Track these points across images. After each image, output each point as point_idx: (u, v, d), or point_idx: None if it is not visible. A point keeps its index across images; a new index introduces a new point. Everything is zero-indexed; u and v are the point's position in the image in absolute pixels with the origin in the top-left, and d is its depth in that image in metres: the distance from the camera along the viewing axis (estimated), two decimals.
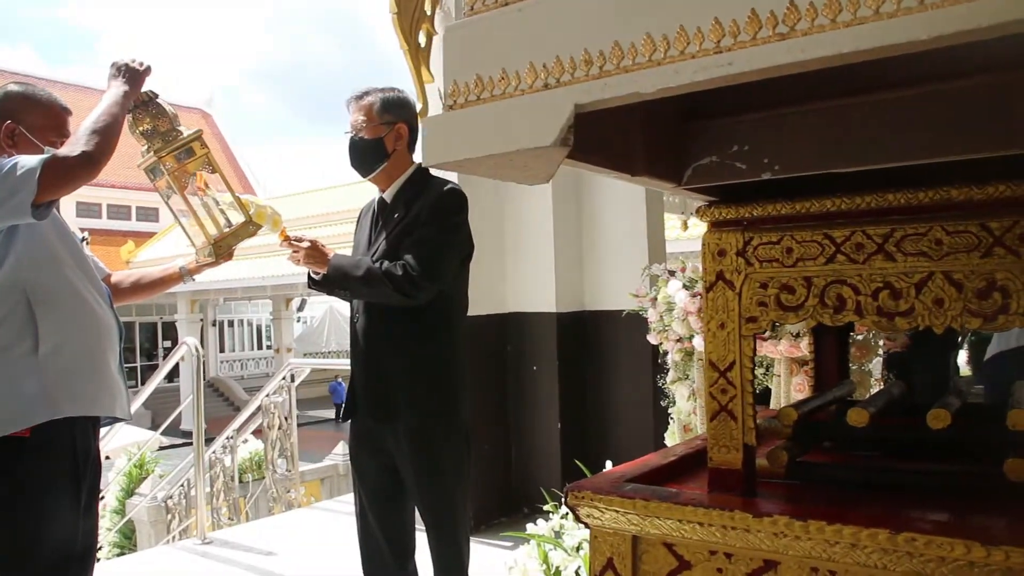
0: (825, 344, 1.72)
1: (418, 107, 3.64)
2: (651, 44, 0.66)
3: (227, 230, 2.28)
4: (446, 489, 2.26)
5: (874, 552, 0.96)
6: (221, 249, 2.25)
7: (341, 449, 8.54)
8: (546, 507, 2.52)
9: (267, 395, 4.93)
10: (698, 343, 2.69)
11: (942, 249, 1.05)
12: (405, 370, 2.25)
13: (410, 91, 3.72)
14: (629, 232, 4.12)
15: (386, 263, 2.17)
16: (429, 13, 3.62)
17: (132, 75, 2.05)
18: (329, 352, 27.92)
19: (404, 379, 2.24)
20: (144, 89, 2.13)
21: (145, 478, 6.42)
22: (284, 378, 4.98)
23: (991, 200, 1.03)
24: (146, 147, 2.15)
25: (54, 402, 1.89)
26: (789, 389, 2.38)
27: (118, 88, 2.01)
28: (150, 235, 27.88)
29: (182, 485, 5.40)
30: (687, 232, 6.88)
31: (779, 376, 2.45)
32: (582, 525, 2.51)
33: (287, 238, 2.25)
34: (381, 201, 2.35)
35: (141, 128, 2.13)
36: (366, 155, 2.28)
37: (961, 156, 1.00)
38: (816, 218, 1.15)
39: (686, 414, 2.79)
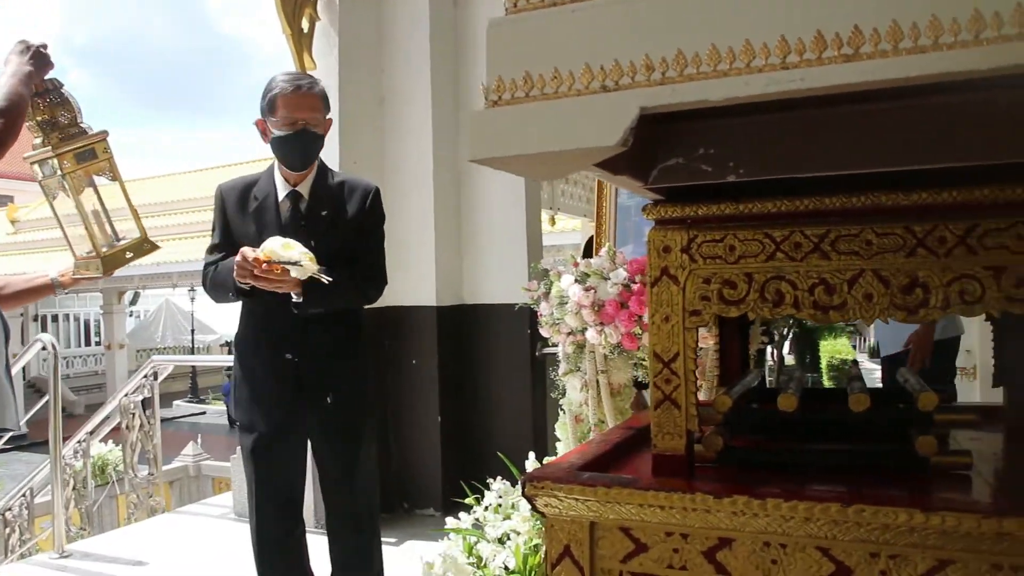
0: (730, 336, 1.84)
1: None
2: (716, 55, 0.71)
3: (120, 244, 2.12)
4: (373, 482, 2.33)
5: (825, 524, 1.05)
6: (110, 264, 2.09)
7: (191, 450, 8.17)
8: (467, 500, 2.55)
9: (126, 394, 4.65)
10: (590, 336, 2.78)
11: (872, 249, 1.16)
12: (344, 363, 2.28)
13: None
14: (508, 227, 4.19)
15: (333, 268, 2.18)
16: None
17: (40, 58, 1.88)
18: (165, 348, 26.54)
19: (344, 372, 2.28)
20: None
21: None
22: (146, 376, 4.71)
23: (915, 206, 1.15)
24: (41, 139, 1.97)
25: None
26: None
27: (23, 67, 1.83)
28: None
29: (23, 495, 4.97)
30: (555, 227, 7.04)
31: None
32: (502, 517, 2.56)
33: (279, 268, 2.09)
34: (295, 194, 2.29)
35: (39, 117, 1.95)
36: (315, 149, 2.26)
37: (895, 167, 1.10)
38: (757, 218, 1.24)
39: (577, 405, 2.88)
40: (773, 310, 1.23)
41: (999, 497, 1.16)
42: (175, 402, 24.45)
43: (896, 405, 1.42)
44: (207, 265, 2.32)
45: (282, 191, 2.29)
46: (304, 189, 2.27)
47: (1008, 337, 1.54)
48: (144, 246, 2.15)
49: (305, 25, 3.51)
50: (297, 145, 2.21)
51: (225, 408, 20.73)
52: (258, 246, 2.24)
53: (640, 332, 2.73)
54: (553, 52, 0.82)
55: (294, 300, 2.18)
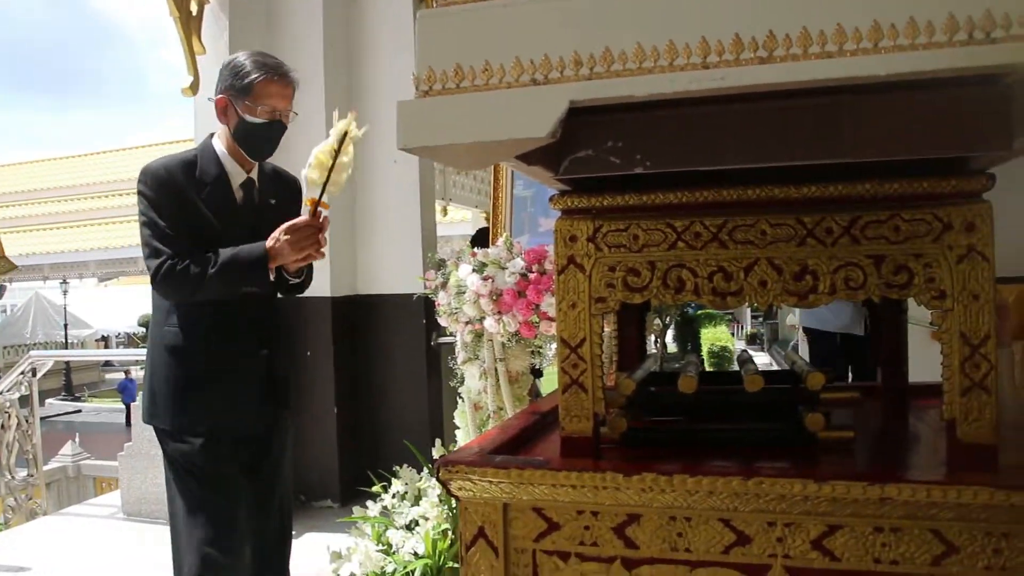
0: (628, 323, 1.91)
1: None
2: (641, 53, 0.74)
3: None
4: (291, 479, 2.35)
5: (727, 497, 1.12)
6: None
7: (70, 450, 7.78)
8: (374, 488, 2.54)
9: (0, 392, 4.37)
10: (489, 325, 2.82)
11: (766, 238, 1.24)
12: (287, 362, 2.36)
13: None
14: (403, 218, 4.19)
15: None
16: None
17: None
18: (36, 344, 25.05)
19: (290, 365, 2.38)
20: None
21: None
22: (23, 372, 4.45)
23: (805, 199, 1.23)
24: None
25: None
26: None
27: None
28: None
29: None
30: (446, 217, 7.07)
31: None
32: (410, 503, 2.56)
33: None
34: (249, 182, 2.24)
35: None
36: (279, 141, 2.23)
37: (787, 162, 1.18)
38: (660, 209, 1.30)
39: (476, 393, 2.91)
40: (675, 296, 1.29)
41: (879, 466, 1.26)
42: (48, 400, 23.13)
43: (786, 385, 1.51)
44: (168, 257, 2.07)
45: (236, 177, 2.21)
46: (254, 175, 2.26)
47: (884, 322, 1.66)
48: (1, 264, 2.04)
49: (194, 8, 3.39)
50: (270, 135, 2.17)
51: (124, 406, 19.77)
52: (214, 232, 2.12)
53: (537, 320, 2.79)
54: (483, 45, 0.84)
55: (292, 281, 2.23)
